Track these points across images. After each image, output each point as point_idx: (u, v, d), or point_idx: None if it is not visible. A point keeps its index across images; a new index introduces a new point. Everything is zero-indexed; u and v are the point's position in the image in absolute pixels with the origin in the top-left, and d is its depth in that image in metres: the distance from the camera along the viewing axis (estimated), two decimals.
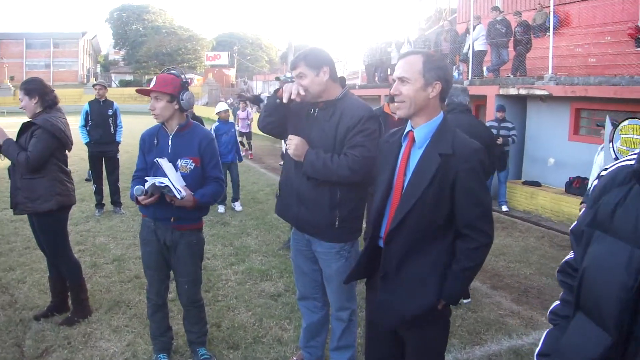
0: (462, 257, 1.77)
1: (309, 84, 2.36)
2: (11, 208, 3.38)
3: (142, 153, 2.80)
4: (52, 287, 3.74)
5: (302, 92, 2.35)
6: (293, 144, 2.35)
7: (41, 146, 3.16)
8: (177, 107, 2.66)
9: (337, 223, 2.38)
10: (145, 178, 2.66)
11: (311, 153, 2.33)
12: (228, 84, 49.16)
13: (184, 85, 2.68)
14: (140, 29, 62.19)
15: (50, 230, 3.39)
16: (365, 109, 2.38)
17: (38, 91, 3.29)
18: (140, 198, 2.60)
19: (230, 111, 8.50)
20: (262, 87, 43.12)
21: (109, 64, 67.17)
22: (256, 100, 7.02)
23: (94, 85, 6.88)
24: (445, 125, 1.84)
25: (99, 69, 64.37)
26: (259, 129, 2.76)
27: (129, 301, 4.00)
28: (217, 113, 7.13)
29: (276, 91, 2.56)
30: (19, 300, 3.98)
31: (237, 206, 7.11)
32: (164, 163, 2.62)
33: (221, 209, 6.97)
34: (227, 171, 6.87)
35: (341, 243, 2.47)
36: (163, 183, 2.53)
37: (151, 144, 2.74)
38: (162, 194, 2.63)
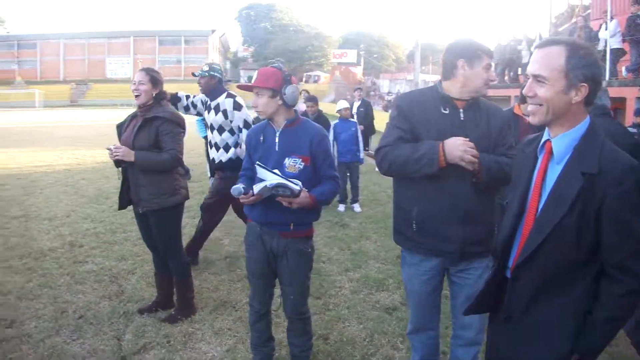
0: (607, 303, 1.78)
1: (470, 76, 2.65)
2: (128, 205, 4.13)
3: (249, 151, 3.22)
4: (158, 283, 4.43)
5: None
6: (469, 151, 2.50)
7: (177, 140, 3.94)
8: (280, 102, 3.00)
9: (495, 231, 2.56)
10: (260, 178, 2.98)
11: (486, 157, 2.55)
12: (355, 81, 58.34)
13: (287, 79, 2.99)
14: (268, 26, 78.93)
15: (170, 224, 4.09)
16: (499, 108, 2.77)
17: (160, 84, 4.02)
18: (240, 198, 2.98)
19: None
20: (389, 86, 50.22)
21: (238, 61, 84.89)
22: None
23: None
24: (593, 135, 1.83)
25: (228, 65, 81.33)
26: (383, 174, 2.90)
27: (235, 302, 4.51)
28: (337, 111, 8.26)
29: None
30: (125, 292, 4.78)
31: (356, 207, 8.18)
32: (264, 172, 2.92)
33: (341, 207, 8.14)
34: (346, 171, 8.02)
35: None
36: (275, 183, 2.80)
37: (257, 141, 3.12)
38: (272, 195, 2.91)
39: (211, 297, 4.65)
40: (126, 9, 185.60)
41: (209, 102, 5.37)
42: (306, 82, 65.85)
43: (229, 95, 5.29)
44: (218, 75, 5.36)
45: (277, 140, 3.04)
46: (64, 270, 5.31)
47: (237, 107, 5.25)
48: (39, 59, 76.79)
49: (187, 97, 5.59)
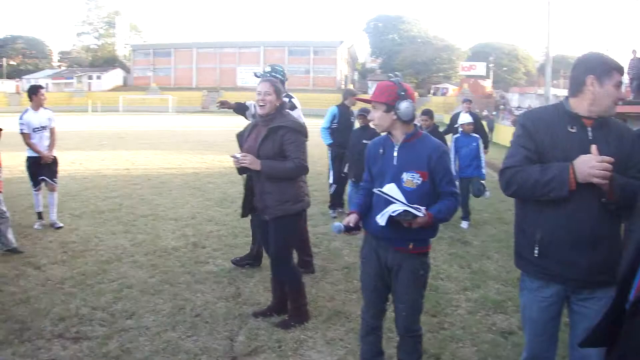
0: None
1: (599, 94, 2.66)
2: (250, 212, 4.56)
3: (368, 164, 3.43)
4: (274, 288, 4.76)
5: None
6: (599, 165, 2.48)
7: (301, 148, 4.25)
8: (395, 117, 3.17)
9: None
10: (376, 191, 3.14)
11: (617, 175, 2.51)
12: (484, 95, 61.29)
13: (401, 94, 3.15)
14: (396, 38, 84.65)
15: (289, 232, 4.39)
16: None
17: (282, 95, 4.38)
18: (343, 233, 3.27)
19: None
20: (518, 100, 51.43)
21: (366, 72, 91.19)
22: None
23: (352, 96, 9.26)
24: None
25: (356, 76, 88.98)
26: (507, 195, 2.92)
27: (349, 313, 4.73)
28: (460, 125, 8.66)
29: None
30: (242, 294, 5.17)
31: (464, 224, 8.48)
32: (389, 189, 3.07)
33: (464, 225, 8.40)
34: (468, 186, 8.41)
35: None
36: (399, 211, 2.95)
37: (376, 153, 3.32)
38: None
39: (326, 306, 4.89)
40: (257, 20, 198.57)
41: None
42: (434, 94, 69.02)
43: (287, 96, 5.54)
44: (279, 76, 5.63)
45: (395, 154, 3.20)
46: (185, 269, 5.86)
47: (291, 107, 5.47)
48: (173, 67, 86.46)
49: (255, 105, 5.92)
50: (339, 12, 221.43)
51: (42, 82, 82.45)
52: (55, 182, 7.93)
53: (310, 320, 4.53)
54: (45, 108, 7.82)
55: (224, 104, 5.96)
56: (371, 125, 3.37)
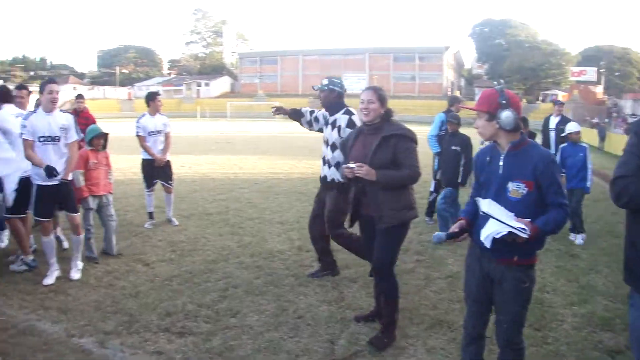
0: None
1: None
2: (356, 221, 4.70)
3: (476, 173, 3.57)
4: (377, 294, 4.85)
5: None
6: None
7: (415, 156, 4.38)
8: (497, 126, 3.26)
9: None
10: (481, 212, 3.24)
11: None
12: (595, 101, 60.63)
13: (502, 103, 3.24)
14: (503, 43, 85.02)
15: (397, 240, 4.51)
16: None
17: (387, 102, 4.47)
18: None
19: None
20: (632, 107, 50.91)
21: (472, 78, 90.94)
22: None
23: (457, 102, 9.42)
24: None
25: (462, 83, 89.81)
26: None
27: (452, 323, 4.80)
28: (567, 134, 8.54)
29: None
30: (345, 298, 5.35)
31: (577, 239, 8.23)
32: (488, 206, 3.17)
33: (573, 237, 8.22)
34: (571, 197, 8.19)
35: None
36: (501, 232, 3.06)
37: (484, 162, 3.44)
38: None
39: (428, 314, 4.98)
40: (362, 26, 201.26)
41: (327, 117, 5.79)
42: (542, 101, 68.25)
43: (347, 112, 5.63)
44: (337, 89, 5.71)
45: (501, 163, 3.28)
46: (290, 272, 6.14)
47: (351, 125, 5.54)
48: (279, 74, 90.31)
49: (311, 112, 6.06)
50: (444, 17, 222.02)
51: (152, 90, 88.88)
52: (171, 185, 8.66)
53: (412, 328, 4.66)
54: (161, 114, 8.56)
55: (279, 110, 6.15)
56: (477, 132, 3.42)
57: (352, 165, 4.21)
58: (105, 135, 6.92)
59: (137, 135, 8.34)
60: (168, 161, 8.62)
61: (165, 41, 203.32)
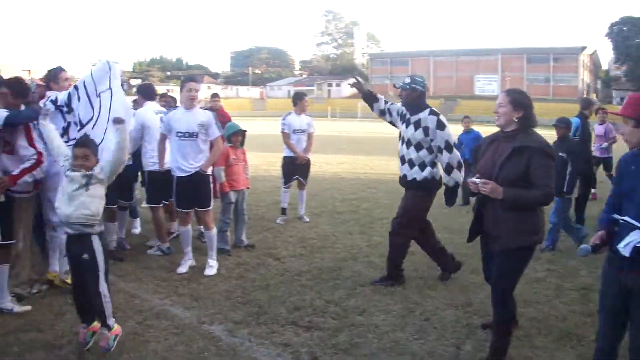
0: None
1: None
2: (477, 236, 4.41)
3: (616, 179, 3.48)
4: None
5: None
6: None
7: (550, 174, 3.92)
8: None
9: None
10: (617, 217, 3.13)
11: None
12: None
13: None
14: None
15: (516, 266, 4.09)
16: None
17: (525, 108, 3.99)
18: None
19: None
20: None
21: (609, 80, 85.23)
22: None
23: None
24: None
25: (599, 85, 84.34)
26: None
27: (582, 337, 4.58)
28: None
29: None
30: (473, 304, 5.27)
31: None
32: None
33: None
34: None
35: None
36: None
37: (626, 170, 3.29)
38: None
39: (557, 326, 4.79)
40: (494, 26, 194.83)
41: (408, 116, 5.63)
42: None
43: (432, 113, 5.49)
44: (420, 88, 5.58)
45: None
46: (418, 274, 6.13)
47: (441, 126, 5.49)
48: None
49: (386, 102, 5.97)
50: (580, 16, 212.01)
51: (284, 90, 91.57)
52: (305, 182, 8.98)
53: (539, 338, 4.52)
54: (307, 114, 8.96)
55: (356, 84, 6.20)
56: (622, 140, 3.25)
57: (476, 180, 3.88)
58: (243, 133, 7.29)
59: (282, 132, 8.80)
60: (308, 160, 8.96)
61: (296, 42, 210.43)
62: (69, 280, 5.22)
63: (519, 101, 3.97)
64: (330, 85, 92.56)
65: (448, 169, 5.60)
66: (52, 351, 4.23)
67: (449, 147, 5.55)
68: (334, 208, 10.01)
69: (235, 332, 4.60)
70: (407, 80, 5.72)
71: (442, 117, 5.59)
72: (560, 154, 7.36)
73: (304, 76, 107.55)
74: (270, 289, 5.62)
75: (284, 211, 8.98)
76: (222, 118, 9.38)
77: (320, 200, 10.71)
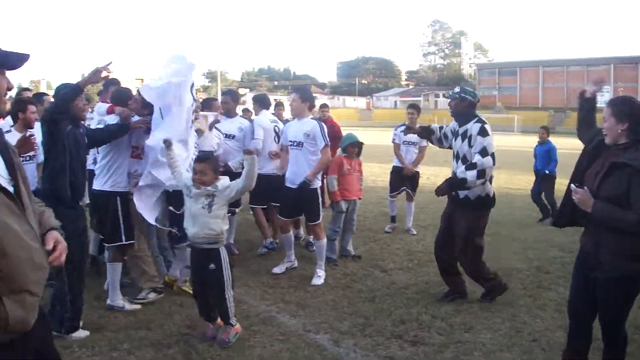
0: None
1: None
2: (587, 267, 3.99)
3: None
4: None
5: None
6: None
7: None
8: None
9: None
10: None
11: None
12: None
13: None
14: None
15: (622, 297, 3.66)
16: None
17: (631, 117, 3.53)
18: None
19: None
20: None
21: None
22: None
23: None
24: None
25: None
26: None
27: None
28: None
29: None
30: None
31: None
32: None
33: None
34: None
35: None
36: None
37: None
38: None
39: None
40: (606, 34, 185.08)
41: (457, 129, 5.46)
42: None
43: (479, 121, 5.29)
44: (469, 97, 5.40)
45: None
46: (527, 292, 5.96)
47: (483, 133, 5.30)
48: (518, 86, 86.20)
49: (440, 128, 5.86)
50: None
51: (390, 100, 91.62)
52: (413, 194, 9.03)
53: None
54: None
55: (408, 130, 6.54)
56: None
57: (572, 186, 3.62)
58: (360, 144, 7.43)
59: (393, 142, 9.01)
60: (417, 172, 9.04)
61: (403, 52, 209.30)
62: (185, 289, 5.60)
63: (624, 112, 3.52)
64: (437, 96, 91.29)
65: (471, 166, 5.26)
66: (160, 350, 4.50)
67: (483, 151, 5.26)
68: None
69: (341, 342, 4.66)
70: (457, 89, 5.62)
71: (487, 126, 5.38)
72: None
73: (411, 87, 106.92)
74: (376, 300, 5.65)
75: (393, 219, 9.15)
76: (331, 129, 9.61)
77: (428, 212, 10.59)
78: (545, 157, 10.30)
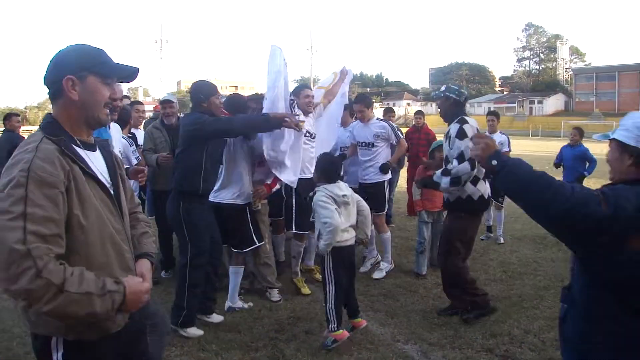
0: None
1: None
2: None
3: None
4: None
5: None
6: None
7: None
8: None
9: None
10: None
11: None
12: None
13: None
14: None
15: None
16: None
17: None
18: None
19: None
20: None
21: None
22: None
23: None
24: None
25: None
26: None
27: None
28: None
29: None
30: None
31: None
32: None
33: None
34: None
35: None
36: None
37: None
38: None
39: None
40: None
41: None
42: None
43: (459, 121, 4.97)
44: (453, 96, 5.13)
45: None
46: None
47: (460, 134, 5.01)
48: (616, 91, 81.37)
49: None
50: None
51: (484, 107, 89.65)
52: (502, 203, 8.77)
53: None
54: (502, 133, 8.99)
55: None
56: None
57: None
58: None
59: None
60: None
61: (497, 58, 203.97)
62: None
63: None
64: (532, 102, 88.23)
65: (445, 172, 5.08)
66: (248, 353, 4.56)
67: (460, 157, 4.98)
68: (537, 232, 9.34)
69: (429, 354, 4.57)
70: (442, 88, 5.39)
71: (467, 126, 5.03)
72: None
73: (505, 93, 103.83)
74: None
75: (488, 229, 8.99)
76: (427, 136, 9.67)
77: (523, 222, 10.19)
78: (579, 160, 9.43)
